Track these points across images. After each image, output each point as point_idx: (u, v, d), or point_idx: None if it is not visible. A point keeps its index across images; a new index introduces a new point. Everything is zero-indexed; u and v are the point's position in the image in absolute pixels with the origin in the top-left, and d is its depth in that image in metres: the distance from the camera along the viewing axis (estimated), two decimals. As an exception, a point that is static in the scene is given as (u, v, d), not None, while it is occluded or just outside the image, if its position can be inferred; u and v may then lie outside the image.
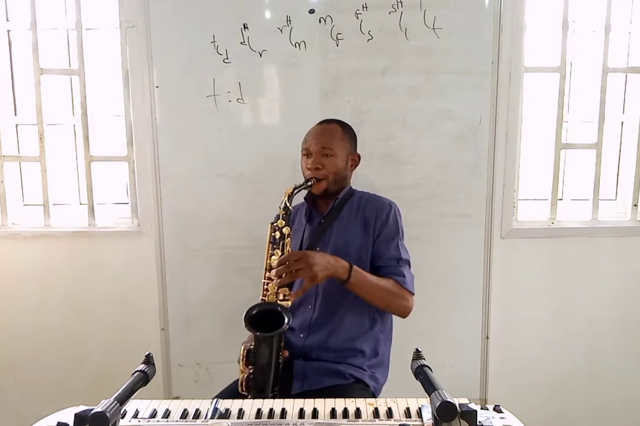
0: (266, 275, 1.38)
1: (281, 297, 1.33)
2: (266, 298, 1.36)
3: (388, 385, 1.54)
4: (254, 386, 1.26)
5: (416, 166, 1.94)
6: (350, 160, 1.58)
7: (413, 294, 1.46)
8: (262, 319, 1.24)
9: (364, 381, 1.44)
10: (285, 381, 1.39)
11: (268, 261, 1.39)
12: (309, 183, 1.48)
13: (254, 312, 1.25)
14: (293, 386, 1.39)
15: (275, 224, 1.41)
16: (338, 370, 1.43)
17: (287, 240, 1.39)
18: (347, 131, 1.59)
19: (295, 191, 1.45)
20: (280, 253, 1.37)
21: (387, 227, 1.50)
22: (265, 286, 1.37)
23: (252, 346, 1.28)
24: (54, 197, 2.05)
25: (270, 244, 1.41)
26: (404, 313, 1.46)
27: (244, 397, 1.21)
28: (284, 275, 1.29)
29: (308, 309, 1.50)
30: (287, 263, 1.28)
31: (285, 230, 1.39)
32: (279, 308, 1.27)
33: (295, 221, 1.62)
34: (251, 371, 1.28)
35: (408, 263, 1.50)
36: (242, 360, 1.30)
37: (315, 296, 1.50)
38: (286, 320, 1.23)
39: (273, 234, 1.41)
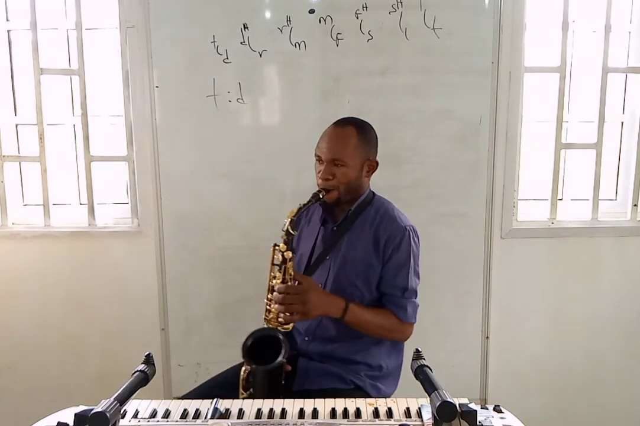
0: (268, 296, 1.39)
1: (282, 320, 1.36)
2: (268, 319, 1.38)
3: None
4: None
5: (416, 166, 1.93)
6: (367, 166, 1.47)
7: (414, 323, 1.46)
8: (261, 343, 1.27)
9: (364, 390, 1.43)
10: (288, 377, 1.39)
11: (270, 283, 1.40)
12: (318, 196, 1.41)
13: (253, 339, 1.29)
14: (295, 381, 1.40)
15: (277, 247, 1.39)
16: (339, 374, 1.42)
17: (289, 264, 1.37)
18: (364, 136, 1.46)
19: (301, 211, 1.39)
20: (281, 277, 1.36)
21: (399, 253, 1.43)
22: (268, 308, 1.38)
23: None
24: (54, 197, 2.04)
25: (273, 266, 1.40)
26: (400, 341, 1.50)
27: (235, 397, 1.21)
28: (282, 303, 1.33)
29: None
30: (286, 294, 1.33)
31: (287, 255, 1.37)
32: (279, 336, 1.29)
33: (312, 220, 1.58)
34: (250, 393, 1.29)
35: (415, 292, 1.45)
36: (242, 382, 1.31)
37: None
38: (282, 351, 1.25)
39: (275, 256, 1.40)
